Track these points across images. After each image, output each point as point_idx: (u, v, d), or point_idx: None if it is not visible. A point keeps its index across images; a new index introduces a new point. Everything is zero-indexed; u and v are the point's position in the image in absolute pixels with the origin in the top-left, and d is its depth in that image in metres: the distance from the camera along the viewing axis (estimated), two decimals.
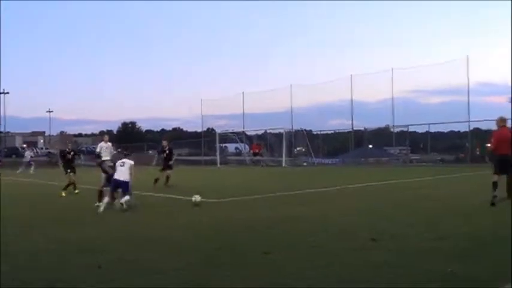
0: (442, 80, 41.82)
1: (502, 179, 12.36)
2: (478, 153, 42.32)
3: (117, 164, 13.41)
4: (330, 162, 48.01)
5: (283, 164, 43.29)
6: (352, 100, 46.59)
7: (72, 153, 19.23)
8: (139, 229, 9.72)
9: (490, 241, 7.59)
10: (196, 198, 13.49)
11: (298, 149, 49.99)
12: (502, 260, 6.34)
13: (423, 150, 47.38)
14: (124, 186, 12.91)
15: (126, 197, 12.69)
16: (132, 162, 13.27)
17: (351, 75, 46.26)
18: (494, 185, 12.18)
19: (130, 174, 13.01)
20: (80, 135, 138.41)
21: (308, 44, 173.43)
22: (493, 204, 11.77)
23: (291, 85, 50.61)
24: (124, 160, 13.38)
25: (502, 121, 13.00)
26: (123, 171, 13.03)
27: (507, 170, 12.37)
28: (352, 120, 46.66)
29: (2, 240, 8.36)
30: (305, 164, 45.38)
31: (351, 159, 45.69)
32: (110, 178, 13.56)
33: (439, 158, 44.84)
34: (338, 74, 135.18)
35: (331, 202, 13.88)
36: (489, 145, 12.57)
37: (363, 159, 45.30)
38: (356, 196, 15.50)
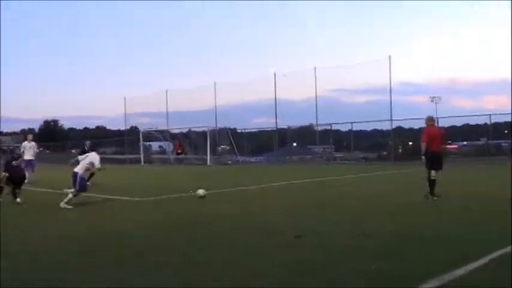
0: (365, 80, 42.87)
1: (439, 175, 13.02)
2: (400, 151, 43.61)
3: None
4: (254, 160, 48.00)
5: (208, 163, 43.09)
6: (275, 98, 46.94)
7: None
8: (53, 227, 9.40)
9: (414, 239, 7.68)
10: (200, 192, 13.78)
11: (222, 147, 49.96)
12: (425, 258, 6.44)
13: (346, 149, 48.13)
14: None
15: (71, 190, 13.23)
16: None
17: (275, 73, 46.67)
18: (432, 182, 12.87)
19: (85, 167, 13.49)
20: None
21: (232, 43, 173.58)
22: (433, 196, 12.61)
23: (215, 83, 50.49)
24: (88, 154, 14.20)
25: (430, 120, 13.76)
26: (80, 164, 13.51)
27: (438, 167, 13.05)
28: (276, 118, 46.97)
29: None
30: (230, 162, 45.18)
31: (276, 158, 45.83)
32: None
33: (362, 156, 45.74)
34: (262, 72, 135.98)
35: (256, 200, 13.88)
36: (423, 143, 13.25)
37: (287, 158, 45.51)
38: (280, 194, 15.55)
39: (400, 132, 43.32)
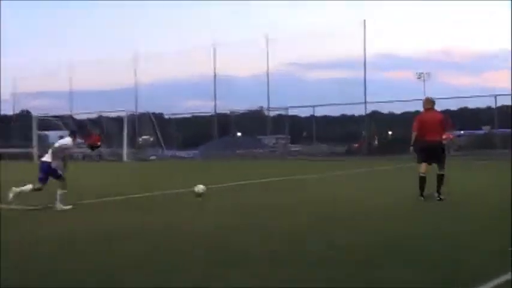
0: (333, 51, 42.75)
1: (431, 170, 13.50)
2: (376, 143, 43.37)
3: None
4: (186, 155, 47.66)
5: (124, 158, 42.93)
6: (215, 75, 46.74)
7: None
8: None
9: (390, 254, 7.77)
10: (199, 188, 14.81)
11: (144, 137, 50.09)
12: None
13: (307, 140, 48.33)
14: None
15: None
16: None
17: (214, 45, 46.60)
18: (422, 180, 13.36)
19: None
20: None
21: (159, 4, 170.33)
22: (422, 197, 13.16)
23: (134, 54, 50.24)
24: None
25: (428, 102, 13.93)
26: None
27: (435, 159, 13.42)
28: (216, 100, 46.96)
29: None
30: (153, 157, 45.03)
31: (214, 152, 45.82)
32: None
33: (327, 150, 45.52)
34: (197, 42, 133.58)
35: (186, 209, 13.63)
36: (414, 132, 13.54)
37: (229, 152, 45.37)
38: (218, 200, 15.21)
39: (376, 118, 43.24)
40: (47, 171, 13.60)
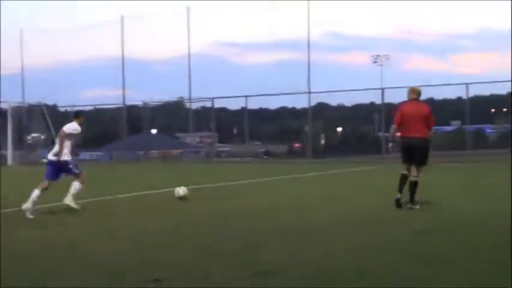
0: (270, 29, 43.07)
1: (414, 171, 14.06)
2: (322, 142, 44.19)
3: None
4: (89, 157, 47.36)
5: (9, 162, 42.81)
6: (123, 57, 46.82)
7: None
8: None
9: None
10: (180, 191, 16.39)
11: (34, 135, 49.75)
12: None
13: (237, 138, 48.98)
14: None
15: None
16: None
17: (122, 16, 46.89)
18: (402, 180, 13.91)
19: None
20: None
21: None
22: (398, 205, 13.62)
23: (20, 30, 50.30)
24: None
25: (413, 92, 14.44)
26: None
27: (418, 160, 13.99)
28: (124, 89, 47.18)
29: None
30: (45, 160, 43.92)
31: (124, 153, 46.08)
32: None
33: (262, 150, 46.07)
34: (101, 15, 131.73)
35: (83, 223, 13.70)
36: (393, 126, 14.24)
37: (142, 152, 45.70)
38: (125, 212, 15.50)
39: (323, 112, 43.84)
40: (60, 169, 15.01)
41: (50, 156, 15.52)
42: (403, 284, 7.45)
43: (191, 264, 8.97)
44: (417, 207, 13.71)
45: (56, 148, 14.92)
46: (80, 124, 15.69)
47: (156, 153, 46.23)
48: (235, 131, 49.82)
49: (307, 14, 40.66)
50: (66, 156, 14.97)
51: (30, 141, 48.89)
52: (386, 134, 42.96)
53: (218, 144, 47.68)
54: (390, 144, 14.58)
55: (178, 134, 50.50)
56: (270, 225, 12.47)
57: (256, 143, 47.91)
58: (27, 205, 14.38)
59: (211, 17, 45.84)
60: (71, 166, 14.90)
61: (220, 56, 75.92)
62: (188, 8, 44.49)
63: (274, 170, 29.21)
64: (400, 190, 13.79)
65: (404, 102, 14.56)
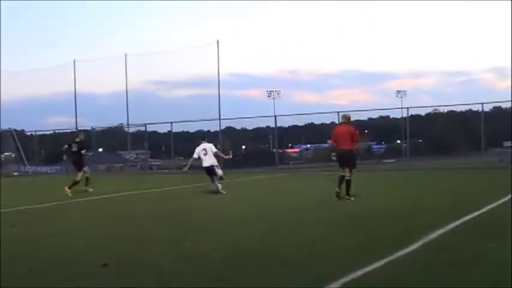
0: (189, 69, 43.26)
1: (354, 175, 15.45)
2: (231, 157, 44.56)
3: (200, 153, 19.46)
4: (49, 170, 46.68)
5: None
6: (75, 92, 46.36)
7: None
8: None
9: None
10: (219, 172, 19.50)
11: (6, 154, 48.73)
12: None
13: (165, 154, 48.36)
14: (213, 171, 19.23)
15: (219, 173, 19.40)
16: (211, 145, 19.72)
17: (74, 61, 45.86)
18: (340, 179, 15.21)
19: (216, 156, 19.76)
20: None
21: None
22: (338, 197, 14.82)
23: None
24: (204, 146, 19.56)
25: (344, 117, 16.35)
26: (208, 157, 19.28)
27: (347, 165, 15.32)
28: (77, 117, 46.41)
29: None
30: (16, 173, 43.90)
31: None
32: None
33: (184, 164, 46.09)
34: (58, 60, 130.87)
35: (45, 221, 13.53)
36: (329, 142, 16.25)
37: (91, 167, 44.55)
38: (82, 213, 15.33)
39: (231, 134, 43.98)
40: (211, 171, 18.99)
41: None
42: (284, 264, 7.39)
43: (132, 250, 8.93)
44: (352, 199, 14.83)
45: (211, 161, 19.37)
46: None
47: (103, 166, 45.82)
48: (163, 148, 49.52)
49: (217, 60, 40.85)
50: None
51: (3, 159, 47.87)
52: (279, 151, 44.46)
53: (150, 159, 47.38)
54: (333, 154, 15.77)
55: (119, 152, 50.00)
56: (195, 219, 12.50)
57: (179, 158, 47.78)
58: None
59: (144, 61, 45.22)
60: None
61: (150, 91, 75.24)
62: (126, 55, 44.23)
63: (194, 179, 29.20)
64: (339, 186, 15.01)
65: (337, 124, 16.35)
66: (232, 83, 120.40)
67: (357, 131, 16.05)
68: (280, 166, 39.66)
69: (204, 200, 17.81)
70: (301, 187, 22.49)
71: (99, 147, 48.20)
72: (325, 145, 47.82)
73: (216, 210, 14.70)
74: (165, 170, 43.17)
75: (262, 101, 68.68)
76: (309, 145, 52.95)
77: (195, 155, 19.59)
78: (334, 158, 15.76)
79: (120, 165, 47.43)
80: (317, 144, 54.02)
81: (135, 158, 50.10)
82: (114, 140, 48.86)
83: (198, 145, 19.96)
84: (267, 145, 52.68)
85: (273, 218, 12.30)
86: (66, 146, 23.07)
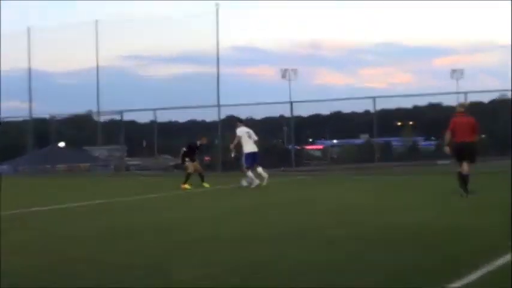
0: (180, 42, 42.57)
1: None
2: (233, 155, 43.53)
3: (245, 136, 22.70)
4: None
5: None
6: (30, 70, 45.82)
7: None
8: None
9: None
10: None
11: None
12: None
13: (148, 151, 48.24)
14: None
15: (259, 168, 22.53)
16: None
17: (28, 29, 45.58)
18: (460, 177, 16.96)
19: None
20: None
21: None
22: (467, 192, 16.61)
23: None
24: (249, 130, 23.07)
25: (462, 106, 18.53)
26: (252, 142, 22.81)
27: (466, 157, 17.18)
28: (31, 102, 45.94)
29: None
30: None
31: (30, 166, 45.50)
32: None
33: (172, 164, 45.39)
34: (7, 28, 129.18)
35: None
36: (447, 134, 17.63)
37: (49, 166, 45.03)
38: (28, 229, 14.67)
39: (233, 125, 43.14)
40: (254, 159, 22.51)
41: None
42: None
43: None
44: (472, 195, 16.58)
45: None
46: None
47: (63, 166, 45.37)
48: (144, 143, 49.00)
49: (216, 30, 40.21)
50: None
51: None
52: (297, 147, 43.53)
53: (127, 158, 47.02)
54: (447, 148, 17.80)
55: (86, 147, 49.60)
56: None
57: (165, 156, 47.08)
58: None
59: (119, 31, 44.51)
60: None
61: (128, 69, 74.53)
62: (96, 21, 43.67)
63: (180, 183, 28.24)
64: (464, 186, 16.81)
65: (455, 117, 17.78)
66: (236, 59, 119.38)
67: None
68: (291, 168, 38.60)
69: (197, 211, 17.71)
70: (326, 196, 21.41)
71: (60, 141, 48.10)
72: (359, 140, 46.86)
73: (207, 226, 14.08)
74: (146, 172, 42.38)
75: (274, 82, 68.16)
76: (335, 140, 51.84)
77: (240, 135, 22.95)
78: (447, 152, 17.91)
79: (87, 164, 46.80)
80: (346, 140, 53.02)
81: (107, 156, 49.18)
82: (79, 132, 48.34)
83: (237, 126, 23.45)
84: (281, 140, 52.42)
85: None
86: None
